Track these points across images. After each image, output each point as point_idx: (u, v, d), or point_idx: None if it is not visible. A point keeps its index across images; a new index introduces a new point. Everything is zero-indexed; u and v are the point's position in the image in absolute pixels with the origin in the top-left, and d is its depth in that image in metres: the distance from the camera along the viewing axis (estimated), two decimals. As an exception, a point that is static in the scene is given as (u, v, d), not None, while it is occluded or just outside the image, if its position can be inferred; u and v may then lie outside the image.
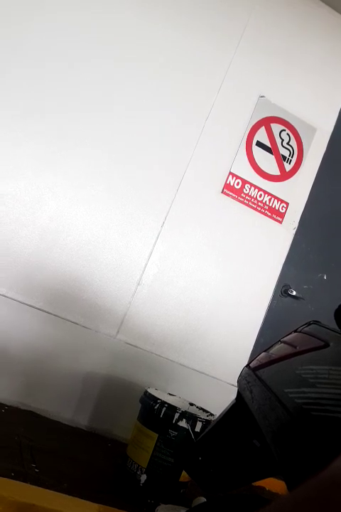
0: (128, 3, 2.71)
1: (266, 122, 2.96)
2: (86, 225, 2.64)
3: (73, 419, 2.59)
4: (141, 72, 2.73)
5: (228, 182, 2.88)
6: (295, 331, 1.16)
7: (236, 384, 1.23)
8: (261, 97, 2.95)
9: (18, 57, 2.54)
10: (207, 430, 1.31)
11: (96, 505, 1.73)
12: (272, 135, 2.96)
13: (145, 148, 2.74)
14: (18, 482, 1.69)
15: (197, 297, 2.82)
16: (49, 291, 2.58)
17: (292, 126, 3.00)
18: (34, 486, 1.72)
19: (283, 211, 2.97)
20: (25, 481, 1.74)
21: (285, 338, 1.17)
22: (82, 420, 2.60)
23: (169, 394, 2.40)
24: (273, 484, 2.59)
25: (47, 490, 1.72)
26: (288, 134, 2.99)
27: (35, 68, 2.56)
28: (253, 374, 1.14)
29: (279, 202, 2.96)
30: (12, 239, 2.53)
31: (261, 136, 2.95)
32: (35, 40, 2.57)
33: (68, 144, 2.61)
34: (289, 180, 2.99)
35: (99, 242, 2.66)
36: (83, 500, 1.73)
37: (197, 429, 2.02)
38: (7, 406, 2.45)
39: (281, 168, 2.97)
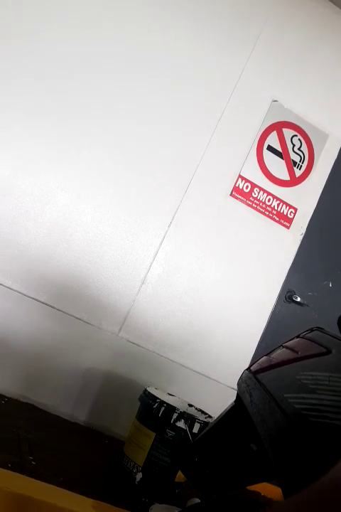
0: (141, 6, 2.71)
1: (278, 127, 2.95)
2: (93, 221, 2.65)
3: (72, 414, 2.59)
4: (153, 74, 2.73)
5: (237, 185, 2.87)
6: (298, 337, 1.15)
7: (236, 387, 1.22)
8: (274, 101, 2.94)
9: (34, 56, 2.55)
10: (204, 431, 1.30)
11: (91, 501, 1.73)
12: (283, 140, 2.95)
13: (155, 148, 2.74)
14: (14, 473, 1.70)
15: (201, 299, 2.81)
16: (54, 285, 2.59)
17: (304, 131, 2.98)
18: (30, 478, 1.72)
19: (291, 216, 2.95)
20: (22, 473, 1.74)
21: (287, 343, 1.16)
22: (81, 416, 2.61)
23: (168, 394, 2.40)
24: (269, 489, 2.57)
25: (44, 483, 1.72)
26: (299, 139, 2.97)
27: (50, 66, 2.57)
28: (253, 377, 1.13)
29: (287, 207, 2.94)
30: (20, 232, 2.54)
31: (273, 140, 2.93)
32: (52, 40, 2.57)
33: (80, 142, 2.62)
34: (299, 185, 2.97)
35: (105, 239, 2.67)
36: (78, 495, 1.72)
37: (195, 430, 2.02)
38: (7, 398, 2.45)
39: (291, 173, 2.96)
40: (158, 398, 2.09)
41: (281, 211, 2.93)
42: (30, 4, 2.54)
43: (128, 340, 2.70)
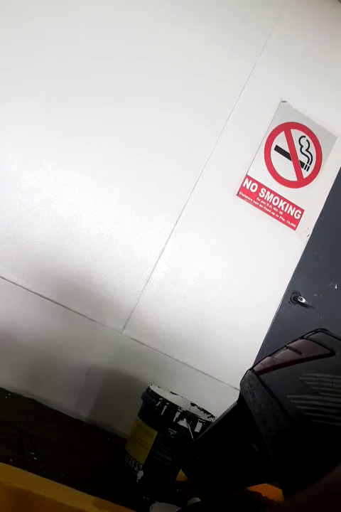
0: (152, 4, 2.70)
1: (286, 127, 2.93)
2: (100, 219, 2.65)
3: (74, 410, 2.59)
4: (163, 72, 2.73)
5: (244, 185, 2.86)
6: (302, 338, 1.15)
7: (239, 388, 1.21)
8: (283, 102, 2.92)
9: (42, 49, 2.55)
10: (206, 431, 1.30)
11: (91, 498, 1.73)
12: (291, 141, 2.94)
13: (163, 146, 2.73)
14: (16, 468, 1.70)
15: (206, 298, 2.81)
16: (59, 281, 2.59)
17: (312, 133, 2.96)
18: (32, 474, 1.73)
19: (298, 218, 2.94)
20: (23, 468, 1.75)
21: (290, 344, 1.15)
22: (83, 412, 2.61)
23: (171, 392, 2.39)
24: (270, 490, 2.56)
25: (45, 478, 1.73)
26: (307, 140, 2.96)
27: (58, 61, 2.58)
28: (256, 378, 1.13)
29: (294, 208, 2.93)
30: (26, 228, 2.55)
31: (281, 141, 2.92)
32: (60, 34, 2.58)
33: (88, 139, 2.62)
34: (306, 187, 2.95)
35: (111, 236, 2.67)
36: (79, 492, 1.73)
37: (197, 429, 2.01)
38: (10, 393, 2.46)
39: (298, 174, 2.94)
40: (161, 397, 2.09)
41: (288, 212, 2.92)
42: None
43: (132, 338, 2.69)
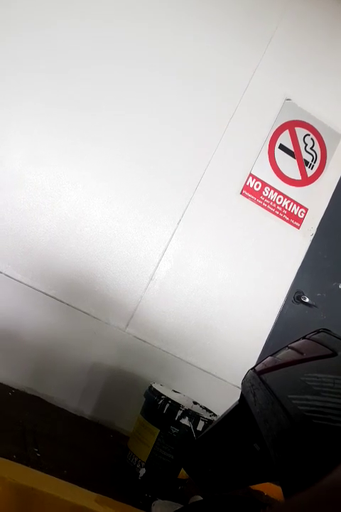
0: (156, 3, 2.69)
1: (290, 126, 2.92)
2: (103, 217, 2.65)
3: (78, 408, 2.60)
4: (166, 70, 2.73)
5: (248, 183, 2.86)
6: (304, 338, 1.15)
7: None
8: (287, 100, 2.91)
9: (47, 50, 2.55)
10: (207, 429, 1.30)
11: (94, 495, 1.74)
12: (296, 139, 2.93)
13: (166, 144, 2.73)
14: (19, 465, 1.71)
15: (209, 297, 2.81)
16: (62, 279, 2.60)
17: (317, 131, 2.95)
18: (34, 470, 1.73)
19: (302, 216, 2.93)
20: (26, 464, 1.75)
21: (292, 344, 1.15)
22: (86, 410, 2.62)
23: (174, 391, 2.40)
24: (272, 489, 2.56)
25: (47, 475, 1.73)
26: (312, 138, 2.95)
27: (63, 62, 2.58)
28: (257, 377, 1.13)
29: (298, 207, 2.92)
30: (30, 226, 2.55)
31: (285, 139, 2.91)
32: (64, 35, 2.58)
33: (91, 137, 2.62)
34: (310, 185, 2.94)
35: (114, 234, 2.67)
36: (81, 489, 1.73)
37: (199, 427, 2.01)
38: (14, 389, 2.47)
39: (303, 173, 2.93)
40: (163, 395, 2.09)
41: (292, 211, 2.91)
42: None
43: (134, 336, 2.70)
